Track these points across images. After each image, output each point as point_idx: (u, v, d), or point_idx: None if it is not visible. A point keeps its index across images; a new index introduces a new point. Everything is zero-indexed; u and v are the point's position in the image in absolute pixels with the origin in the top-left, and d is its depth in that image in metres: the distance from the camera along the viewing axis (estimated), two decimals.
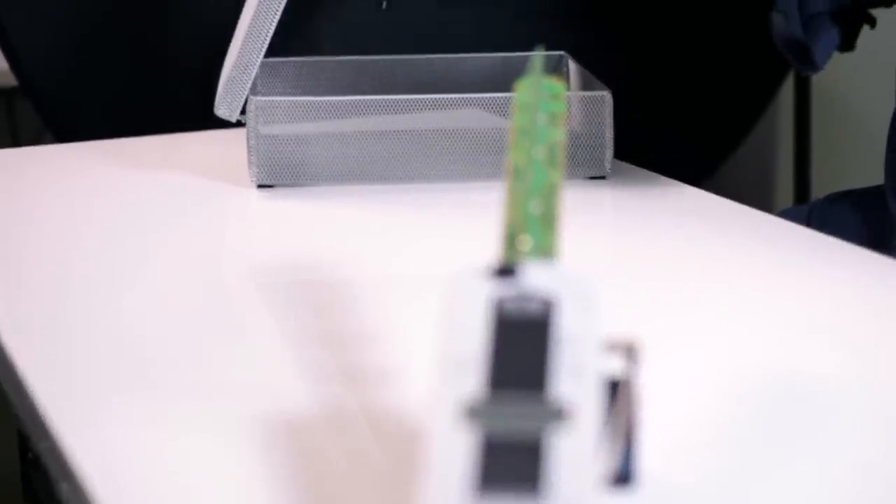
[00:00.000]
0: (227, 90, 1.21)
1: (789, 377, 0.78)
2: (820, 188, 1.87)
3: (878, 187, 1.17)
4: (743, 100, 1.80)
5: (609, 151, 1.20)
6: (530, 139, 0.66)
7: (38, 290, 0.96)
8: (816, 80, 1.81)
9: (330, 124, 1.19)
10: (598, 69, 1.29)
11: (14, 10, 1.48)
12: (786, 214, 1.20)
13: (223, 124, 1.24)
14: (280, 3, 1.19)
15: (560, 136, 0.68)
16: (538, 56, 0.69)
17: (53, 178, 1.28)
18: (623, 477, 0.62)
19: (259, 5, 1.20)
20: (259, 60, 1.20)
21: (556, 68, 1.30)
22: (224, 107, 1.21)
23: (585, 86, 1.27)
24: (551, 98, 0.69)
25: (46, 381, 0.78)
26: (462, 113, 1.20)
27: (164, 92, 1.56)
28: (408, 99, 1.18)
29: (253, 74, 1.20)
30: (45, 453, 0.70)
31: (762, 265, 1.00)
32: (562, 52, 1.33)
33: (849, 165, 1.86)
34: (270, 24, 1.20)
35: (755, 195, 2.01)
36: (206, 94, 1.25)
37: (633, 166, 1.24)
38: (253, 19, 1.20)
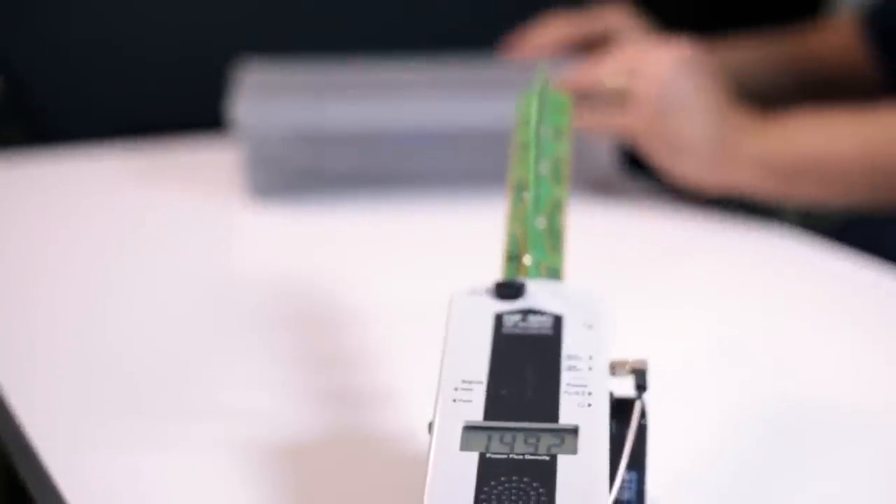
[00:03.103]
0: (275, 100, 1.15)
1: (803, 404, 0.76)
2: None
3: None
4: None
5: (611, 161, 1.17)
6: (535, 153, 0.64)
7: (20, 309, 0.93)
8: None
9: (328, 129, 1.15)
10: None
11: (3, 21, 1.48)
12: (805, 234, 1.18)
13: (206, 130, 1.21)
14: None
15: (565, 150, 0.66)
16: (543, 66, 0.68)
17: (34, 190, 1.23)
18: None
19: None
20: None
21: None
22: (245, 108, 1.13)
23: None
24: (556, 111, 0.68)
25: (30, 403, 0.76)
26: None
27: (150, 97, 1.54)
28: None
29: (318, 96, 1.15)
30: (28, 475, 0.69)
31: (775, 286, 0.98)
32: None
33: None
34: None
35: (763, 212, 1.99)
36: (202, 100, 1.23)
37: (636, 177, 1.22)
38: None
